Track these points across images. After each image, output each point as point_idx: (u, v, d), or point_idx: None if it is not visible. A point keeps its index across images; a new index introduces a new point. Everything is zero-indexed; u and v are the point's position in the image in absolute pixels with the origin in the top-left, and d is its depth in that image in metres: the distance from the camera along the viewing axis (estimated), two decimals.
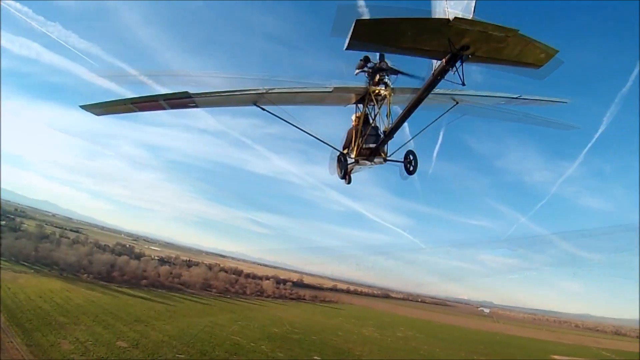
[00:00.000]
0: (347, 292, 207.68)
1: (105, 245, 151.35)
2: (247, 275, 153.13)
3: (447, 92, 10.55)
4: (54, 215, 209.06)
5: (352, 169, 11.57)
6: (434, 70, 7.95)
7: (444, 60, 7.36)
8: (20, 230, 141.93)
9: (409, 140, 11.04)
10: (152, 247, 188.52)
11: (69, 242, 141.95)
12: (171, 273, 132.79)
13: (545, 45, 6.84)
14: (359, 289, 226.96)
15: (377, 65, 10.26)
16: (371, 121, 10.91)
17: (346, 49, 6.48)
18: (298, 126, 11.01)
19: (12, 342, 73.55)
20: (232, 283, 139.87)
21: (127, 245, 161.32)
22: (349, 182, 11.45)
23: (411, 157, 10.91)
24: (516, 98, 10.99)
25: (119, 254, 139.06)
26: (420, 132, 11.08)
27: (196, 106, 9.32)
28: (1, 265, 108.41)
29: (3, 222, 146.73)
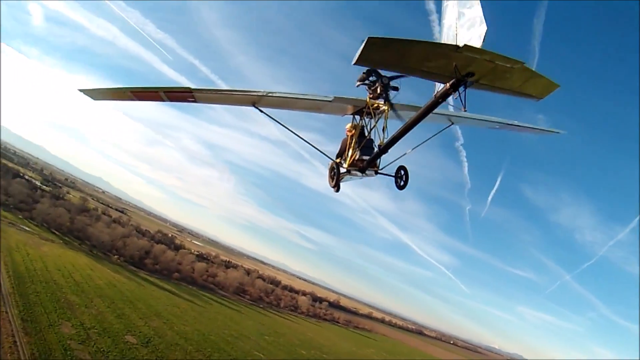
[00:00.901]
0: (382, 321, 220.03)
1: (146, 230, 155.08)
2: (284, 287, 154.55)
3: (444, 113, 11.19)
4: (104, 192, 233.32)
5: (343, 178, 12.11)
6: (437, 92, 8.31)
7: (448, 84, 7.75)
8: (63, 199, 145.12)
9: (401, 157, 11.57)
10: (195, 242, 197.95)
11: (108, 220, 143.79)
12: (207, 271, 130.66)
13: (547, 80, 7.48)
14: (394, 320, 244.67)
15: (379, 79, 10.83)
16: (367, 134, 11.51)
17: (354, 64, 6.95)
18: (295, 132, 11.69)
19: (7, 312, 64.78)
20: (267, 292, 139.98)
21: (169, 235, 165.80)
22: (337, 190, 12.01)
23: (402, 173, 11.48)
24: (510, 124, 11.88)
25: (158, 242, 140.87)
26: (413, 149, 11.66)
27: (195, 101, 9.85)
28: (28, 230, 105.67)
29: (48, 188, 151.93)
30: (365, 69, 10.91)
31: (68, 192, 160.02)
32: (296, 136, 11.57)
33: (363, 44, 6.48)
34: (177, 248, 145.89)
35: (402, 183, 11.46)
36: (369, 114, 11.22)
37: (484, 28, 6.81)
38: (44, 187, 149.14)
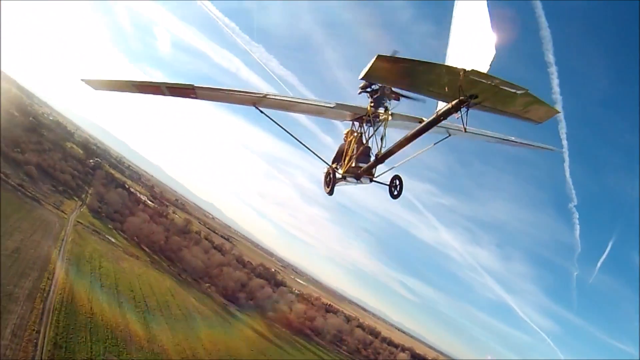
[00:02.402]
0: None
1: (247, 261, 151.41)
2: (384, 340, 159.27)
3: (443, 126, 11.77)
4: (213, 218, 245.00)
5: (338, 183, 13.09)
6: (439, 110, 9.27)
7: (451, 104, 8.59)
8: (165, 216, 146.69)
9: (396, 166, 12.56)
10: (297, 279, 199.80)
11: (208, 245, 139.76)
12: (305, 313, 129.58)
13: (549, 106, 8.44)
14: None
15: (381, 88, 11.89)
16: (365, 141, 12.57)
17: (361, 78, 7.93)
18: (294, 135, 13.08)
19: (38, 331, 53.89)
20: (366, 344, 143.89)
21: (272, 270, 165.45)
22: (330, 194, 12.96)
23: (397, 182, 12.60)
24: (507, 139, 13.23)
25: (258, 275, 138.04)
26: (408, 159, 12.58)
27: (197, 98, 10.84)
28: (113, 241, 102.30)
29: (152, 204, 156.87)
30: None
31: (174, 212, 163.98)
32: (295, 139, 13.04)
33: (372, 61, 7.17)
34: (278, 285, 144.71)
35: (395, 192, 12.58)
36: (368, 121, 12.33)
37: (492, 53, 7.57)
38: (149, 202, 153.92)
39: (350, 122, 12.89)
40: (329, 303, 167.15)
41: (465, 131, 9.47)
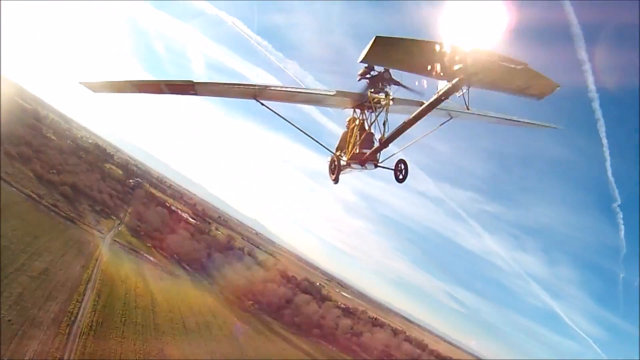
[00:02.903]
0: None
1: (292, 276, 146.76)
2: (431, 352, 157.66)
3: (444, 108, 12.14)
4: (257, 234, 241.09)
5: (343, 170, 13.46)
6: (440, 90, 9.51)
7: (451, 82, 8.89)
8: (207, 233, 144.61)
9: (401, 150, 13.01)
10: (343, 293, 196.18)
11: (252, 261, 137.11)
12: (352, 329, 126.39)
13: (549, 80, 8.63)
14: None
15: (381, 74, 11.96)
16: (367, 128, 12.93)
17: (360, 61, 8.09)
18: (296, 125, 13.14)
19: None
20: (413, 358, 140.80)
21: (317, 284, 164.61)
22: (336, 183, 13.20)
23: (402, 166, 12.92)
24: (509, 119, 13.69)
25: (303, 290, 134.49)
26: (412, 142, 13.18)
27: (197, 94, 11.07)
28: (151, 260, 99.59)
29: (194, 221, 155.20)
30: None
31: (216, 229, 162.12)
32: (297, 129, 12.98)
33: (370, 43, 7.37)
34: (323, 299, 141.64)
35: (401, 176, 12.82)
36: (369, 108, 12.53)
37: (491, 29, 7.69)
38: (191, 220, 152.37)
39: (352, 110, 13.06)
40: (375, 317, 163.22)
41: (468, 109, 9.20)
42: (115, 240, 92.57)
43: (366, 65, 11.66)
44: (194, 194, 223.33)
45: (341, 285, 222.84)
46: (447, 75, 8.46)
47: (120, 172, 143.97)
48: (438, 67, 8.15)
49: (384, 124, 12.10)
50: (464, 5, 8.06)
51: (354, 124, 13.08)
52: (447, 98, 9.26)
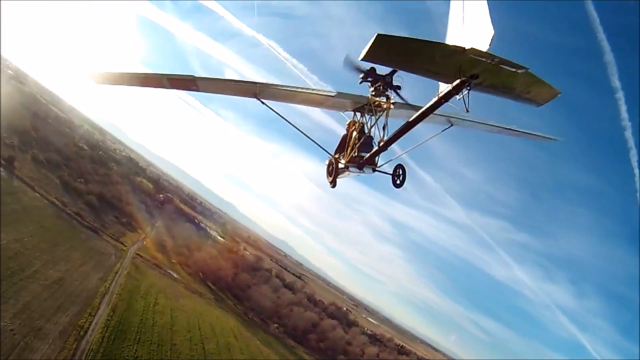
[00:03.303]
0: None
1: (319, 300, 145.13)
2: None
3: (444, 114, 12.40)
4: (285, 256, 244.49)
5: (341, 173, 13.34)
6: (440, 93, 9.37)
7: (451, 85, 8.75)
8: (236, 253, 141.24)
9: (400, 155, 13.02)
10: (369, 318, 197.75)
11: (279, 284, 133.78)
12: (378, 356, 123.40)
13: (550, 86, 8.44)
14: None
15: (382, 77, 11.93)
16: (367, 131, 12.76)
17: (361, 59, 7.82)
18: (295, 125, 13.18)
19: None
20: None
21: (344, 309, 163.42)
22: (334, 186, 13.16)
23: (400, 171, 12.85)
24: (509, 129, 13.26)
25: (329, 315, 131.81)
26: (412, 148, 13.20)
27: (198, 90, 11.21)
28: (175, 276, 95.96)
29: (222, 240, 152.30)
30: (369, 66, 11.60)
31: (244, 249, 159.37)
32: (297, 129, 13.01)
33: (372, 41, 7.17)
34: (350, 325, 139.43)
35: (398, 181, 12.70)
36: (370, 111, 12.37)
37: (491, 31, 7.70)
38: (219, 238, 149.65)
39: (352, 112, 13.04)
40: (401, 344, 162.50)
41: (467, 111, 8.76)
42: (138, 254, 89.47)
43: (368, 68, 11.71)
44: (225, 213, 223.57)
45: (368, 311, 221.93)
46: (447, 76, 8.41)
47: (151, 185, 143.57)
48: (439, 68, 8.13)
49: (383, 128, 12.01)
50: (467, 6, 8.24)
51: (353, 127, 13.01)
52: (447, 101, 9.12)
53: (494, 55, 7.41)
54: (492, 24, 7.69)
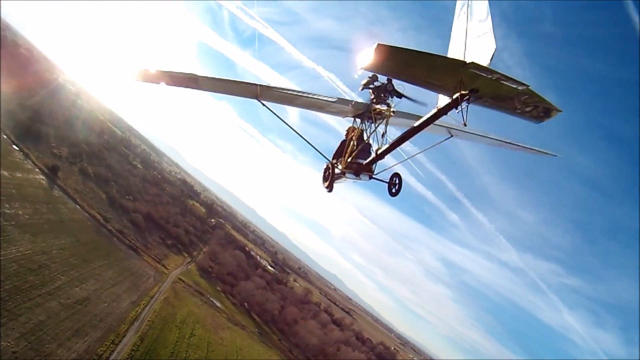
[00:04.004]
0: None
1: (367, 338, 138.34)
2: None
3: (444, 125, 12.06)
4: (335, 290, 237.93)
5: (338, 179, 13.08)
6: (439, 105, 9.18)
7: (451, 98, 8.51)
8: (284, 284, 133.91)
9: (397, 164, 12.71)
10: (415, 359, 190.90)
11: (327, 319, 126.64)
12: None
13: (551, 104, 8.13)
14: None
15: (384, 85, 11.90)
16: (365, 138, 12.64)
17: (361, 68, 7.62)
18: (294, 129, 13.26)
19: None
20: None
21: (392, 348, 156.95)
22: (330, 191, 12.91)
23: (396, 180, 12.57)
24: (507, 142, 12.83)
25: (377, 355, 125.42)
26: (409, 157, 12.87)
27: (199, 88, 10.84)
28: (218, 306, 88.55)
29: (272, 270, 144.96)
30: (371, 73, 11.55)
31: (295, 280, 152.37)
32: (297, 134, 13.11)
33: (373, 50, 6.97)
34: None
35: (394, 190, 12.41)
36: (370, 118, 12.23)
37: (493, 46, 7.66)
38: (269, 268, 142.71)
39: (352, 119, 13.01)
40: None
41: (465, 125, 8.59)
42: (180, 279, 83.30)
43: (369, 75, 11.79)
44: (277, 242, 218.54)
45: (415, 351, 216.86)
46: (447, 89, 8.24)
47: (204, 210, 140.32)
48: (439, 80, 7.96)
49: (382, 136, 11.85)
50: (472, 19, 8.17)
51: (352, 133, 12.89)
52: (446, 114, 8.80)
53: (495, 71, 7.18)
54: (495, 39, 7.56)
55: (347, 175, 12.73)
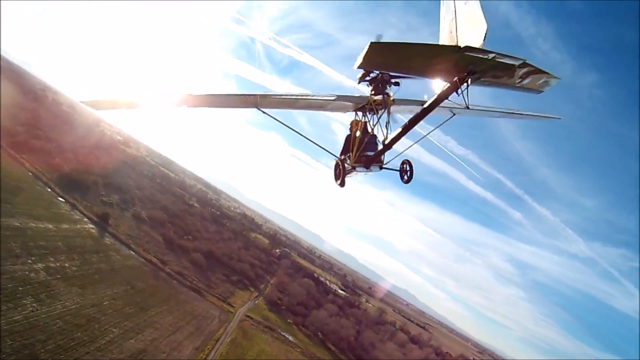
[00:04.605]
0: None
1: (447, 352, 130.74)
2: None
3: (446, 105, 11.32)
4: (407, 305, 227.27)
5: (349, 174, 13.15)
6: (440, 90, 9.08)
7: (450, 82, 8.56)
8: (357, 307, 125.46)
9: (406, 150, 12.66)
10: None
11: (404, 338, 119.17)
12: None
13: (549, 73, 8.21)
14: None
15: (380, 76, 11.91)
16: (370, 130, 12.64)
17: (357, 68, 7.69)
18: (298, 132, 13.55)
19: None
20: None
21: (471, 359, 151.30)
22: (342, 186, 12.96)
23: (407, 167, 12.76)
24: (512, 113, 13.21)
25: None
26: (417, 141, 12.82)
27: (192, 106, 11.08)
28: (291, 340, 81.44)
29: (344, 294, 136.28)
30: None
31: (367, 301, 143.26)
32: (300, 135, 13.33)
33: (365, 49, 6.93)
34: None
35: (406, 177, 12.65)
36: (371, 110, 12.37)
37: (484, 27, 7.39)
38: (340, 291, 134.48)
39: (354, 113, 13.00)
40: None
41: (468, 107, 8.76)
42: (248, 316, 77.56)
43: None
44: (344, 264, 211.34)
45: (493, 358, 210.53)
46: (445, 76, 8.33)
47: (267, 241, 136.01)
48: (435, 68, 7.97)
49: (386, 125, 11.96)
50: (459, 2, 8.05)
51: (356, 127, 12.83)
52: (447, 98, 8.80)
53: (489, 51, 7.13)
54: (485, 18, 7.35)
55: (357, 169, 12.56)
